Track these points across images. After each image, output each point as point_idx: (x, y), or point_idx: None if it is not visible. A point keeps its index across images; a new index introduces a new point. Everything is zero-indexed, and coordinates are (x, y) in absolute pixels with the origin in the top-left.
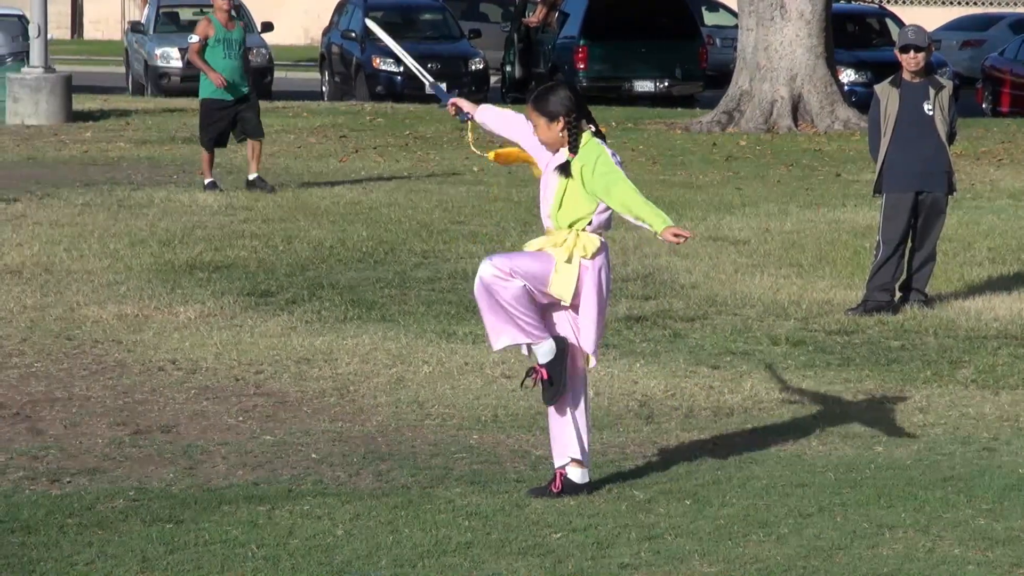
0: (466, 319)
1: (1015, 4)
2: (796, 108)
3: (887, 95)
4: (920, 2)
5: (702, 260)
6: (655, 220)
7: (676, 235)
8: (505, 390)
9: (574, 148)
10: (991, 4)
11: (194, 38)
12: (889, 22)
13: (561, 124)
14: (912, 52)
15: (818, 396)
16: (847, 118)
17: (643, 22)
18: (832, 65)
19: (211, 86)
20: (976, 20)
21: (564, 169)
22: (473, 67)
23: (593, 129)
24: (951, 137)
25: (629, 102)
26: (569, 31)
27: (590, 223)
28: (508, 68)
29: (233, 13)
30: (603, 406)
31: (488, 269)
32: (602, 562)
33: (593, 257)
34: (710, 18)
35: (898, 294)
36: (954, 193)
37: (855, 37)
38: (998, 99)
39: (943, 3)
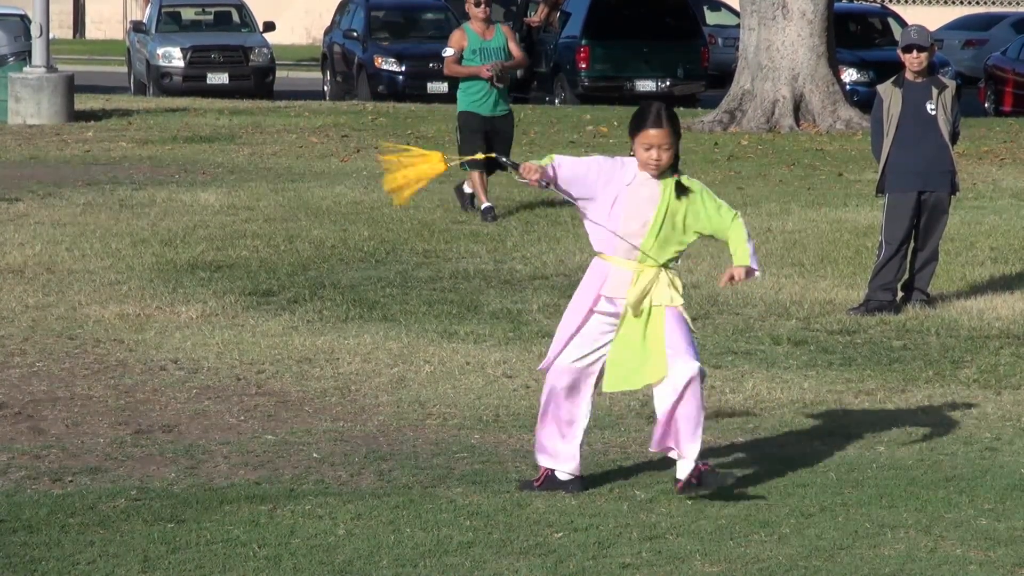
0: (467, 319)
1: (1017, 3)
2: (798, 108)
3: (890, 95)
4: (922, 1)
5: (704, 260)
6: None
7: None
8: (507, 390)
9: (676, 167)
10: (993, 3)
11: (449, 51)
12: (891, 21)
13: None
14: (915, 52)
15: (820, 396)
16: (849, 118)
17: (645, 22)
18: (834, 65)
19: (468, 99)
20: (978, 19)
21: (680, 189)
22: None
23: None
24: (955, 137)
25: (631, 102)
26: (571, 31)
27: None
28: None
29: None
30: (604, 406)
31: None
32: (603, 562)
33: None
34: (712, 17)
35: (900, 294)
36: (957, 193)
37: (857, 37)
38: (1000, 98)
39: (945, 2)
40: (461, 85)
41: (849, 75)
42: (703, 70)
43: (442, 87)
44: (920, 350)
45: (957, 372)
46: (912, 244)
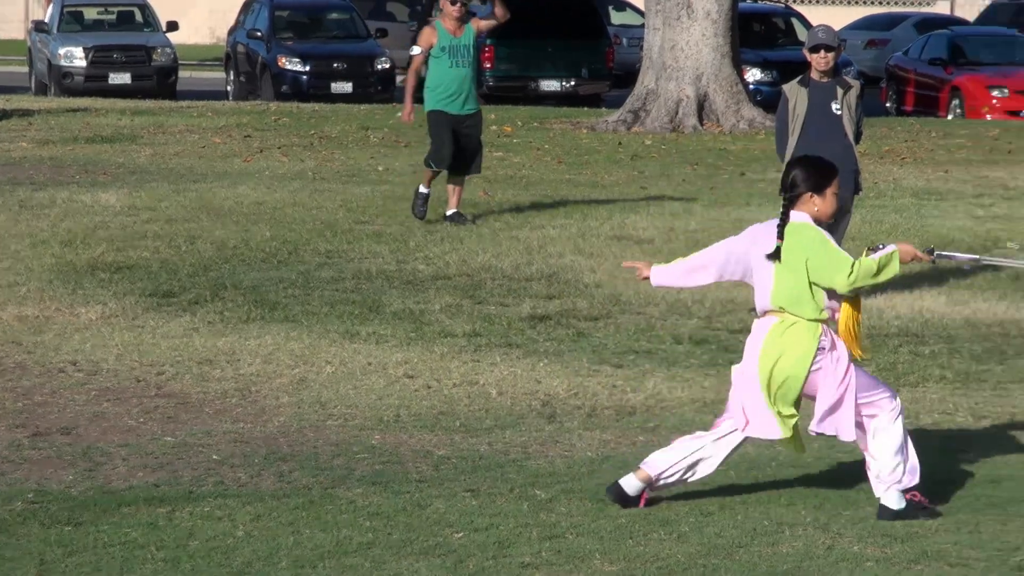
0: (369, 319)
1: (919, 4)
2: (702, 107)
3: (795, 94)
4: (825, 1)
5: (606, 259)
6: None
7: None
8: (408, 390)
9: None
10: (895, 4)
11: (416, 50)
12: (795, 22)
13: None
14: (823, 52)
15: (721, 395)
16: (752, 117)
17: (550, 22)
18: (738, 64)
19: (436, 97)
20: (880, 20)
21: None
22: (379, 66)
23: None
24: (858, 136)
25: (535, 101)
26: None
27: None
28: None
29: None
30: (506, 406)
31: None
32: (503, 561)
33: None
34: (617, 17)
35: None
36: (859, 192)
37: (761, 37)
38: (902, 98)
39: (848, 2)
40: (428, 84)
41: (753, 75)
42: (608, 70)
43: (346, 87)
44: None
45: None
46: None
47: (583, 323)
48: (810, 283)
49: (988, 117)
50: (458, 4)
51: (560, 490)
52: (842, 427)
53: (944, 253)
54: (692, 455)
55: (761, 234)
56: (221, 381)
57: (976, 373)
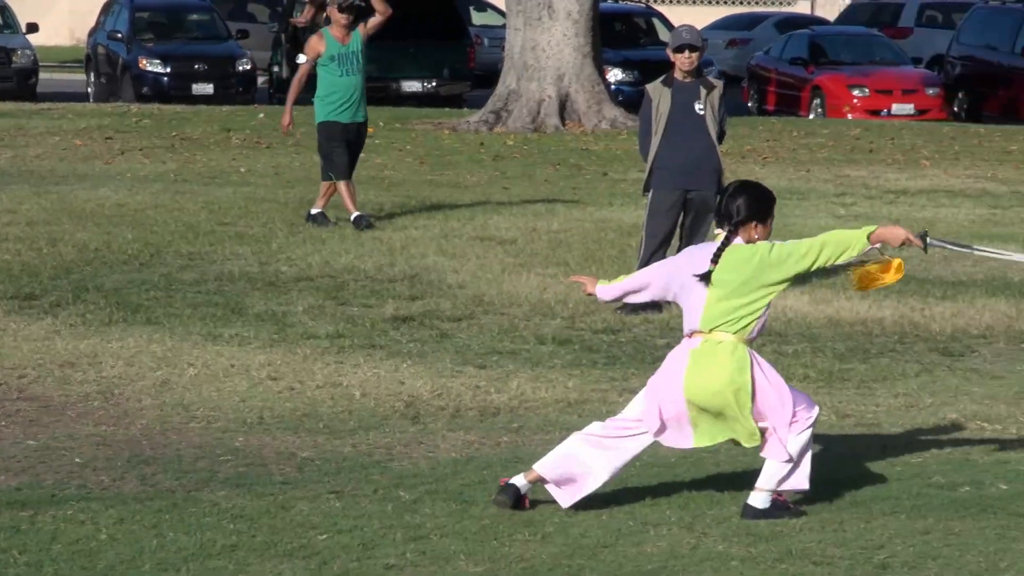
0: (232, 321)
1: (780, 4)
2: (563, 107)
3: (659, 94)
4: (686, 1)
5: (469, 260)
6: None
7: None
8: (271, 392)
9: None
10: (756, 3)
11: (302, 58)
12: (656, 21)
13: None
14: (687, 52)
15: (584, 395)
16: (614, 117)
17: (411, 22)
18: (599, 64)
19: (327, 108)
20: (741, 19)
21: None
22: (240, 68)
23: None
24: (721, 136)
25: (397, 102)
26: None
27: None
28: (276, 68)
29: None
30: (369, 407)
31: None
32: (368, 563)
33: None
34: (478, 18)
35: None
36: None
37: (622, 36)
38: (763, 98)
39: (708, 2)
40: (319, 94)
41: (614, 75)
42: (469, 70)
43: (207, 88)
44: None
45: None
46: (678, 243)
47: (446, 324)
48: (743, 304)
49: (849, 116)
50: (346, 12)
51: (424, 491)
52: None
53: (936, 241)
54: (589, 453)
55: (697, 257)
56: (83, 384)
57: (839, 372)
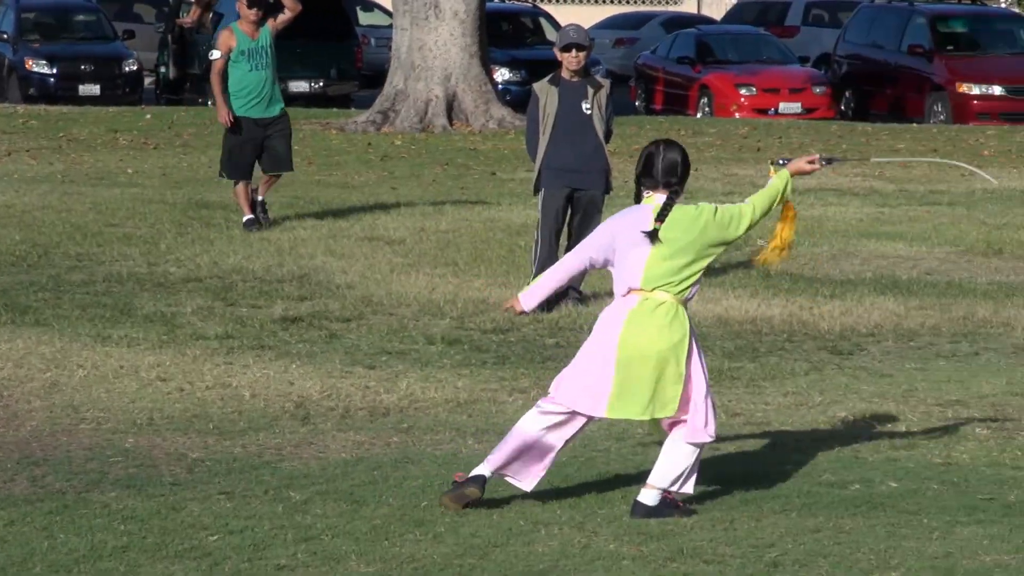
0: (121, 322)
1: (667, 3)
2: (451, 107)
3: (546, 93)
4: (573, 1)
5: (358, 260)
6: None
7: None
8: (161, 393)
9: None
10: (643, 3)
11: (216, 54)
12: (543, 21)
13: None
14: (574, 51)
15: (474, 394)
16: (502, 117)
17: (297, 22)
18: (486, 64)
19: (239, 103)
20: (628, 19)
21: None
22: (127, 68)
23: (653, 194)
24: (607, 136)
25: (285, 102)
26: None
27: None
28: (163, 69)
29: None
30: (259, 408)
31: None
32: (259, 564)
33: None
34: (365, 18)
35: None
36: (610, 191)
37: (509, 36)
38: (651, 97)
39: (595, 1)
40: (230, 90)
41: (501, 74)
42: (356, 70)
43: (94, 89)
44: (573, 347)
45: None
46: (565, 242)
47: (335, 324)
48: (685, 264)
49: (737, 115)
50: (255, 8)
51: (315, 492)
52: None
53: (834, 157)
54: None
55: (632, 218)
56: None
57: (729, 371)
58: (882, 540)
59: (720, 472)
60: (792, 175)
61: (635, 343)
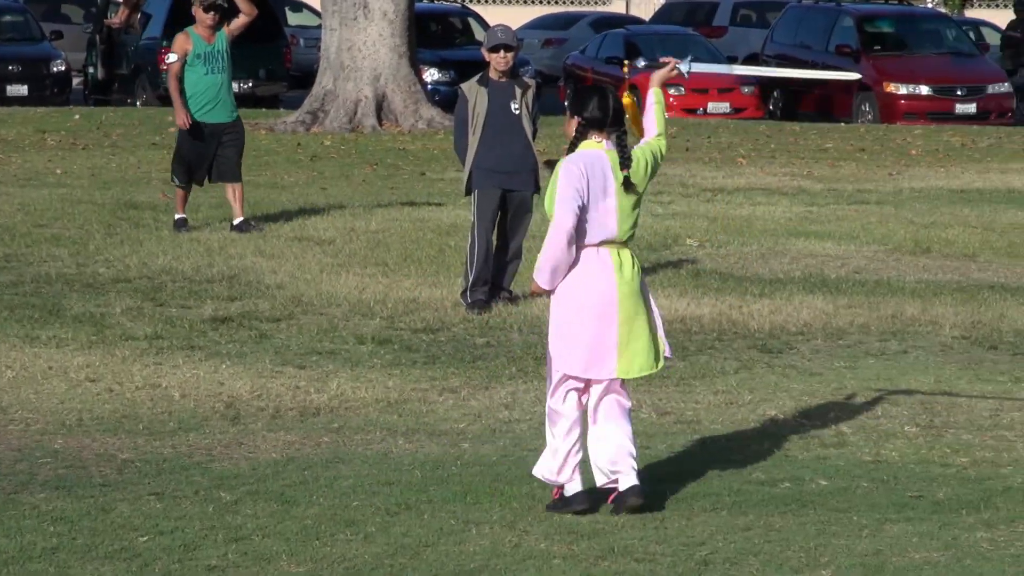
0: (49, 323)
1: (595, 3)
2: (380, 107)
3: (475, 94)
4: (502, 1)
5: (288, 260)
6: None
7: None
8: (90, 394)
9: (570, 150)
10: (572, 3)
11: (172, 57)
12: (471, 21)
13: (575, 123)
14: (502, 52)
15: (404, 394)
16: (431, 117)
17: (226, 22)
18: (416, 64)
19: (195, 107)
20: (557, 19)
21: (550, 166)
22: (55, 69)
23: (603, 140)
24: (533, 135)
25: None
26: (152, 32)
27: None
28: (91, 70)
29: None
30: (189, 408)
31: None
32: (189, 564)
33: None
34: (293, 18)
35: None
36: (540, 191)
37: (438, 36)
38: None
39: (524, 2)
40: (187, 92)
41: (430, 75)
42: (285, 71)
43: (22, 90)
44: (503, 347)
45: (539, 368)
46: (496, 242)
47: (265, 324)
48: (638, 207)
49: (666, 115)
50: (211, 12)
51: (245, 492)
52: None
53: (696, 65)
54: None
55: (591, 166)
56: None
57: (659, 369)
58: (812, 538)
59: (651, 471)
60: (662, 85)
61: (631, 298)
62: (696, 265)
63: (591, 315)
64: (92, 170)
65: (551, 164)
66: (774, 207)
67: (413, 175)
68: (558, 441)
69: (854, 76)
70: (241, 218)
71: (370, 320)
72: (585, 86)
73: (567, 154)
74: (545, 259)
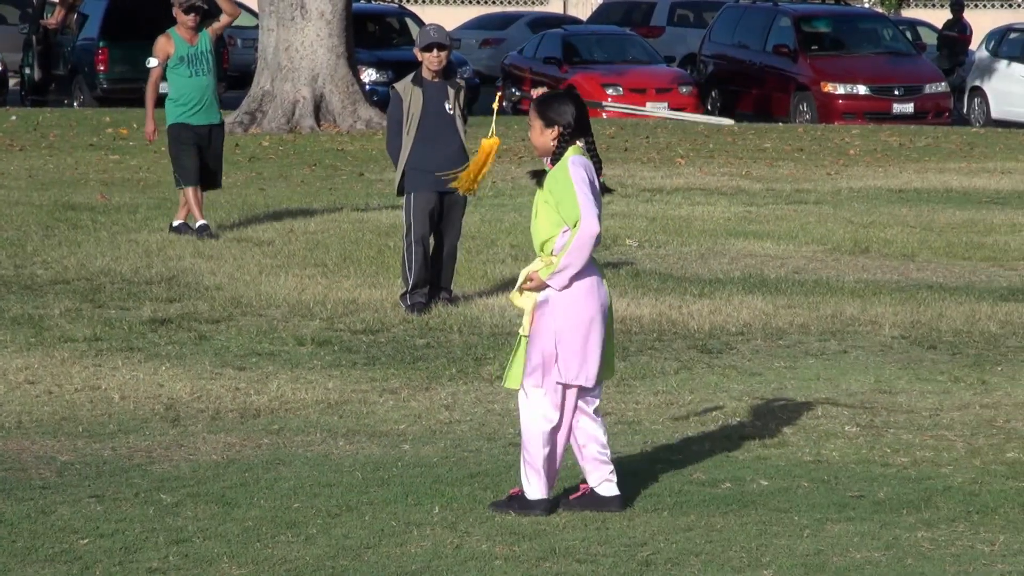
0: None
1: (533, 3)
2: (318, 108)
3: (409, 94)
4: (439, 1)
5: (226, 261)
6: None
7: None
8: (29, 396)
9: (555, 160)
10: (509, 3)
11: (153, 61)
12: (409, 21)
13: (555, 133)
14: (435, 51)
15: (344, 395)
16: (369, 117)
17: (163, 24)
18: (354, 65)
19: (179, 110)
20: (495, 19)
21: (538, 176)
22: None
23: (583, 146)
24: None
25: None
26: (89, 32)
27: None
28: (27, 71)
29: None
30: (128, 410)
31: None
32: (130, 567)
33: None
34: None
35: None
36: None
37: (376, 37)
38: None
39: (462, 2)
40: (170, 96)
41: (368, 75)
42: (223, 71)
43: None
44: (444, 348)
45: (480, 369)
46: (433, 243)
47: (205, 326)
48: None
49: (604, 115)
50: (192, 14)
51: (186, 494)
52: None
53: (508, 93)
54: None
55: (589, 170)
56: None
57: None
58: (753, 538)
59: None
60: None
61: (609, 303)
62: (635, 265)
63: (599, 325)
64: (29, 171)
65: (538, 175)
66: (713, 207)
67: (351, 176)
68: (538, 460)
69: (727, 122)
70: (203, 221)
71: (310, 321)
72: (552, 94)
73: (551, 165)
74: (571, 263)
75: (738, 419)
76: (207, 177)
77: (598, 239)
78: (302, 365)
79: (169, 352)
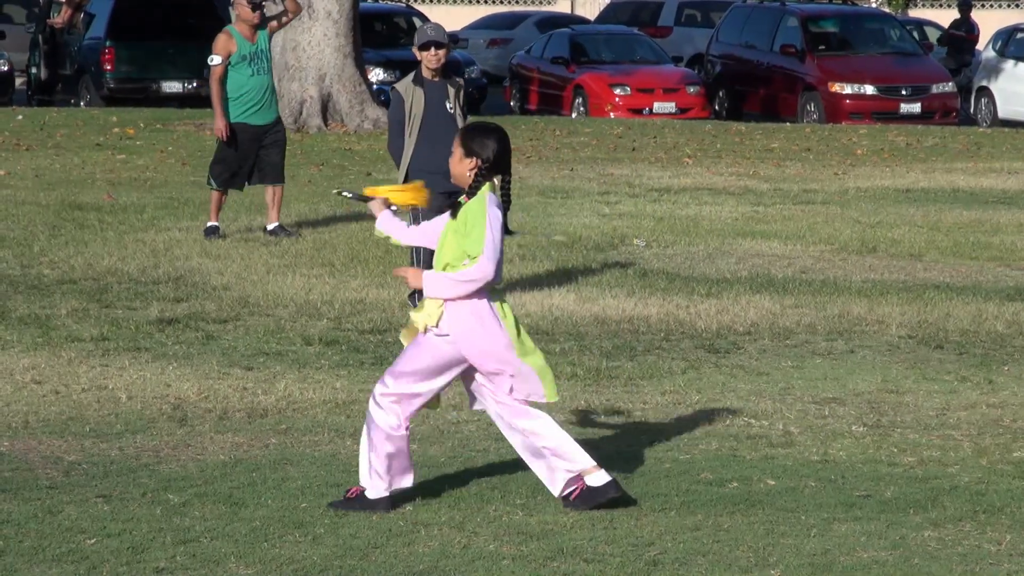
0: None
1: (541, 3)
2: (326, 108)
3: (411, 94)
4: (447, 1)
5: (234, 261)
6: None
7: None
8: (36, 396)
9: (471, 193)
10: (517, 3)
11: (216, 59)
12: (416, 21)
13: (473, 164)
14: (433, 49)
15: (352, 395)
16: (376, 117)
17: (170, 23)
18: (361, 64)
19: (240, 108)
20: (502, 19)
21: (453, 208)
22: None
23: (498, 183)
24: None
25: (157, 103)
26: (95, 32)
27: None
28: (34, 70)
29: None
30: (136, 410)
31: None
32: (137, 567)
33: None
34: None
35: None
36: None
37: (383, 36)
38: (526, 97)
39: (469, 2)
40: (231, 93)
41: (376, 75)
42: None
43: None
44: None
45: None
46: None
47: (212, 326)
48: None
49: (611, 115)
50: (258, 11)
51: (193, 494)
52: None
53: (347, 192)
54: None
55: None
56: None
57: (607, 370)
58: (760, 538)
59: None
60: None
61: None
62: (643, 265)
63: (452, 372)
64: (36, 171)
65: (455, 207)
66: (720, 207)
67: (359, 175)
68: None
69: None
70: (276, 223)
71: (317, 321)
72: (480, 125)
73: (467, 198)
74: (448, 289)
75: (745, 419)
76: (270, 172)
77: (488, 284)
78: (310, 365)
79: (176, 352)
